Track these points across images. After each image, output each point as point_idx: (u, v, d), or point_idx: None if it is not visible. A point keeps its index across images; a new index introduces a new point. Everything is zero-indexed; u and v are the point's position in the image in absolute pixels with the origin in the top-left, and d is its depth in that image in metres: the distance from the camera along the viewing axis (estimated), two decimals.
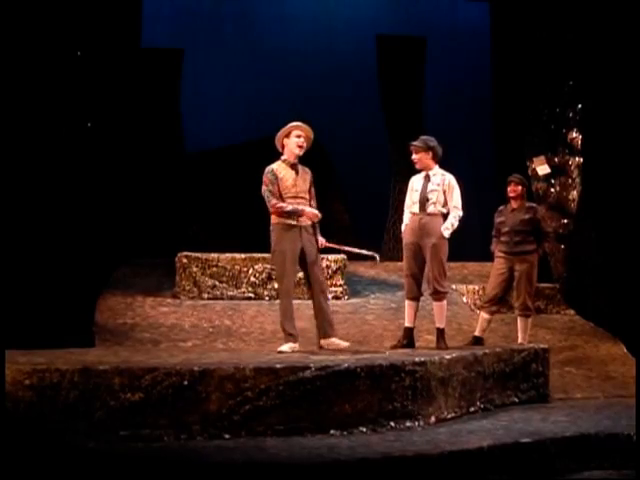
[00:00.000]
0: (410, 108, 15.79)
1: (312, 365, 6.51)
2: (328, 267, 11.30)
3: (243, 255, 11.28)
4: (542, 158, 12.11)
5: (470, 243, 10.33)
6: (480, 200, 9.97)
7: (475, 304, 11.59)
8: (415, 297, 8.61)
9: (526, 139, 12.56)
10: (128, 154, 11.62)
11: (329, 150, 15.26)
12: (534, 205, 10.06)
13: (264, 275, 11.19)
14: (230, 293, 11.19)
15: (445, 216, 8.52)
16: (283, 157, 8.15)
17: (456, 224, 8.50)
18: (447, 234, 8.43)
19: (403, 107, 15.79)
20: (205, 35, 16.82)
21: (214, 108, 16.59)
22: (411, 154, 8.64)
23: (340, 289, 11.47)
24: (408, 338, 8.59)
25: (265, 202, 8.04)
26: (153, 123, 14.28)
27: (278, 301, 8.28)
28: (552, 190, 12.06)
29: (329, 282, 11.28)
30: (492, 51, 15.37)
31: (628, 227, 10.79)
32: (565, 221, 11.92)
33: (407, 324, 8.65)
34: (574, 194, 11.81)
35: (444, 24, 17.43)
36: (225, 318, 10.53)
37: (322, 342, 8.11)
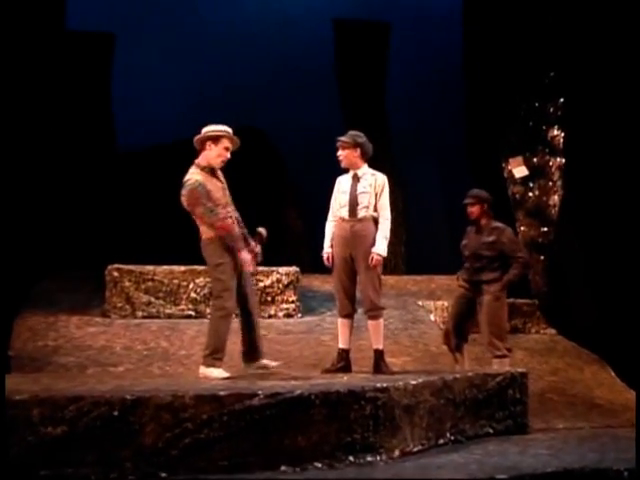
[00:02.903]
0: (371, 102, 15.85)
1: (260, 392, 6.45)
2: (279, 281, 11.27)
3: (182, 268, 11.21)
4: (519, 159, 12.19)
5: (438, 254, 10.35)
6: (449, 206, 9.97)
7: (444, 323, 11.61)
8: (349, 314, 8.58)
9: (501, 137, 12.63)
10: (51, 152, 11.50)
11: (281, 149, 15.24)
12: (500, 225, 9.63)
13: (206, 290, 11.12)
14: (168, 311, 11.12)
15: (377, 221, 8.39)
16: (201, 163, 8.06)
17: (389, 235, 8.40)
18: (385, 253, 8.33)
19: (363, 101, 15.84)
20: (139, 18, 16.74)
21: (150, 101, 16.51)
22: (337, 150, 8.57)
23: (292, 306, 11.44)
24: (344, 360, 8.57)
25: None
26: (80, 117, 14.19)
27: (212, 318, 8.12)
28: (530, 194, 12.14)
29: (279, 297, 11.28)
30: (464, 38, 15.43)
31: (615, 235, 10.86)
32: (545, 229, 12.00)
33: (342, 345, 8.61)
34: (555, 199, 11.89)
35: (410, 8, 17.52)
36: (162, 339, 10.45)
37: (255, 364, 8.13)
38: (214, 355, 7.90)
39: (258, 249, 8.27)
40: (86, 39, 14.60)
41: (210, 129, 8.11)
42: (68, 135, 13.15)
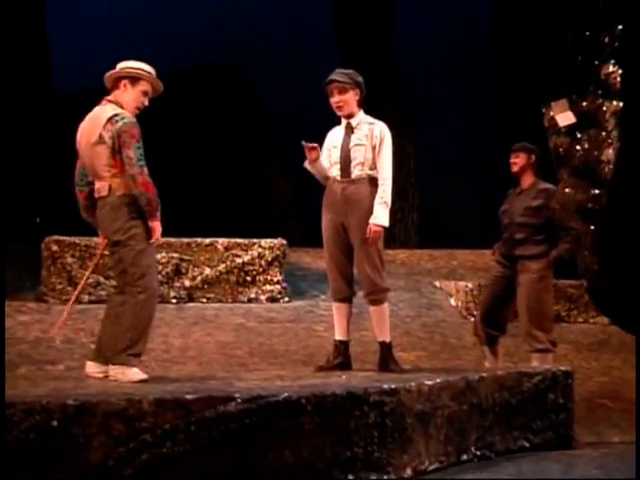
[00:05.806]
0: (375, 30, 15.80)
1: (237, 395, 6.44)
2: (261, 256, 11.26)
3: None
4: (564, 102, 12.18)
5: (460, 223, 10.32)
6: (474, 168, 9.94)
7: (467, 309, 11.63)
8: (345, 298, 8.46)
9: (540, 76, 12.61)
10: None
11: (264, 103, 15.21)
12: (549, 187, 9.56)
13: (170, 268, 11.15)
14: None
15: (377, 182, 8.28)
16: (121, 104, 7.76)
17: (390, 200, 8.28)
18: (386, 222, 8.21)
19: (365, 29, 15.80)
20: None
21: (94, 30, 16.46)
22: (331, 95, 8.38)
23: (277, 287, 11.45)
24: (342, 355, 8.50)
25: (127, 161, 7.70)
26: (8, 52, 14.14)
27: (131, 304, 7.86)
28: (578, 148, 12.14)
29: (261, 277, 11.28)
30: None
31: None
32: (595, 192, 12.01)
33: (339, 336, 8.52)
34: (609, 153, 11.90)
35: None
36: None
37: (103, 367, 7.79)
38: (130, 350, 7.68)
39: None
40: None
41: (128, 65, 7.89)
42: None
